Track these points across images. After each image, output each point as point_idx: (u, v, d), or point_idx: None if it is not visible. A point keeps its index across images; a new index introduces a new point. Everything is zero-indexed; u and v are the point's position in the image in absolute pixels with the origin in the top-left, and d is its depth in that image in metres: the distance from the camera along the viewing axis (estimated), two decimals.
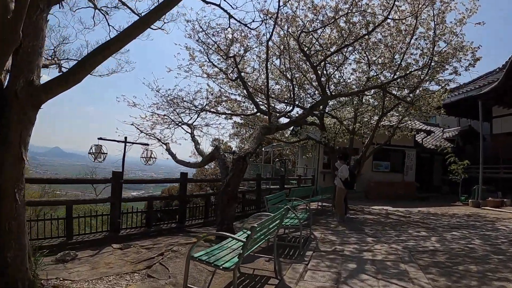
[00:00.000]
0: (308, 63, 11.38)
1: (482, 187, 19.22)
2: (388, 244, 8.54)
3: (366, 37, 11.25)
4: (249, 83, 13.48)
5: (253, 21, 10.33)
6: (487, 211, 16.72)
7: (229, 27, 10.46)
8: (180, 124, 14.35)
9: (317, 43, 11.37)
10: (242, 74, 12.72)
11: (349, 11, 10.12)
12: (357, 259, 7.07)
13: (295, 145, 21.24)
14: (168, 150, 13.97)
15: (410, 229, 10.98)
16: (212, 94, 14.38)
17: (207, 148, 23.22)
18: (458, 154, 22.22)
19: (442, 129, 28.87)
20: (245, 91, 12.54)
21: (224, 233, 5.99)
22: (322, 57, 11.57)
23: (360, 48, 12.20)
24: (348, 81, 14.41)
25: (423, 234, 10.07)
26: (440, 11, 10.78)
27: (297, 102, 14.55)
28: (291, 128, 24.71)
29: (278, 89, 15.08)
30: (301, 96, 15.31)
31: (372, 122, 16.19)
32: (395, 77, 12.60)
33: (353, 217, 13.45)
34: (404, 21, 11.11)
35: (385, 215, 14.47)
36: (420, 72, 12.56)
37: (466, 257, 7.35)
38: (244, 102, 15.05)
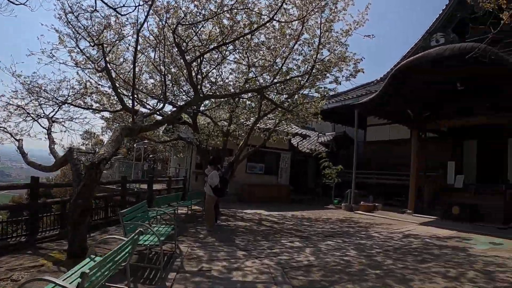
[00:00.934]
0: (182, 58, 10.29)
1: (354, 191, 19.84)
2: (260, 259, 8.02)
3: (248, 37, 10.86)
4: (121, 75, 12.38)
5: (124, 5, 8.89)
6: (360, 215, 17.38)
7: (96, 10, 9.37)
8: (39, 117, 12.36)
9: (196, 38, 10.67)
10: (114, 64, 11.62)
11: (234, 7, 9.26)
12: (226, 282, 6.39)
13: (165, 144, 19.94)
14: (20, 148, 11.94)
15: (283, 238, 10.68)
16: (80, 84, 12.67)
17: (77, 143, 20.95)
18: (332, 158, 22.90)
19: (317, 133, 29.55)
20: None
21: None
22: (200, 53, 10.65)
23: (241, 48, 11.70)
24: (226, 81, 13.93)
25: (297, 245, 9.79)
26: (327, 20, 10.78)
27: (172, 99, 13.49)
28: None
29: (152, 83, 13.90)
30: (175, 93, 14.21)
31: (248, 124, 15.83)
32: (274, 81, 12.43)
33: (224, 224, 12.82)
34: (290, 25, 10.93)
35: (258, 221, 14.10)
36: (300, 78, 12.49)
37: (343, 273, 7.14)
38: (114, 96, 13.52)
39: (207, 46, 10.78)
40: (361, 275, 6.95)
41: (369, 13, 10.40)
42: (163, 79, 11.68)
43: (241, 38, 10.60)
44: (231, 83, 13.84)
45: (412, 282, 6.61)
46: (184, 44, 10.25)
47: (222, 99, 14.43)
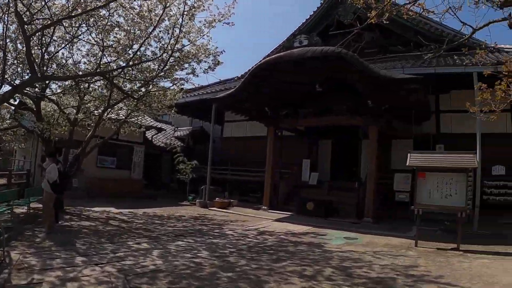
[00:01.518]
0: (21, 30, 8.99)
1: (210, 187, 19.68)
2: (101, 266, 7.06)
3: (102, 13, 10.06)
4: None
5: None
6: (215, 212, 17.15)
7: None
8: None
9: (47, 12, 9.40)
10: None
11: None
12: None
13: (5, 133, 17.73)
14: None
15: (130, 240, 9.77)
16: None
17: None
18: (189, 153, 22.58)
19: (174, 127, 28.90)
20: None
21: None
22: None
23: (94, 28, 10.74)
24: (78, 65, 12.72)
25: (145, 247, 9.02)
26: (192, 7, 10.47)
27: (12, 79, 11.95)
28: None
29: None
30: (20, 73, 12.43)
31: (97, 113, 14.66)
32: (124, 65, 11.55)
33: (67, 224, 11.51)
34: (151, 7, 10.44)
35: (106, 220, 12.95)
36: (155, 66, 12.02)
37: (192, 278, 6.61)
38: None
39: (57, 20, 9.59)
40: (212, 279, 6.52)
41: (249, 9, 10.31)
42: (2, 55, 10.23)
43: (94, 13, 9.73)
44: (82, 67, 12.68)
45: (267, 284, 6.39)
46: (28, 13, 9.07)
47: (68, 84, 13.16)
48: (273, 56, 15.47)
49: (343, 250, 9.54)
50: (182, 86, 13.97)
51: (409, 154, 11.35)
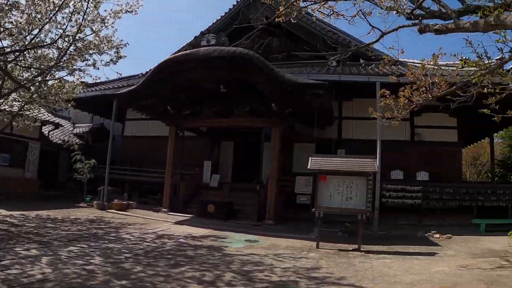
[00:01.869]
0: None
1: (108, 188, 18.78)
2: None
3: None
4: None
5: None
6: (113, 214, 16.29)
7: None
8: None
9: None
10: None
11: None
12: None
13: None
14: None
15: (18, 245, 8.76)
16: None
17: None
18: (88, 152, 21.45)
19: (73, 124, 27.32)
20: None
21: None
22: None
23: None
24: None
25: (34, 253, 8.13)
26: None
27: None
28: None
29: None
30: None
31: None
32: (17, 49, 10.55)
33: None
34: None
35: None
36: (55, 56, 11.18)
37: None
38: None
39: None
40: None
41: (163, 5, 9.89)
42: None
43: None
44: None
45: None
46: None
47: None
48: (179, 53, 15.04)
49: (244, 254, 9.37)
50: (82, 79, 13.11)
51: (310, 158, 11.51)
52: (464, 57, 7.63)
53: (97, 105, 23.57)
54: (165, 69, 14.69)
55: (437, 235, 13.77)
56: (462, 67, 8.10)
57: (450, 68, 9.20)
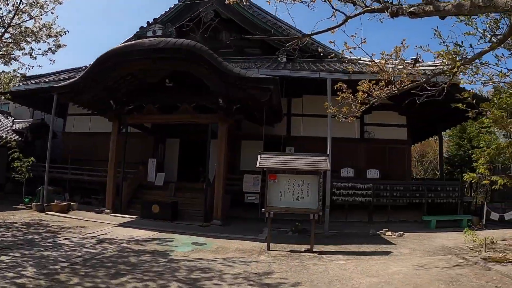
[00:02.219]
0: None
1: (48, 188, 17.72)
2: None
3: None
4: None
5: None
6: (52, 217, 15.21)
7: None
8: None
9: None
10: None
11: None
12: None
13: None
14: None
15: None
16: None
17: None
18: (28, 149, 20.45)
19: (13, 118, 25.85)
20: None
21: None
22: None
23: None
24: None
25: None
26: None
27: None
28: None
29: None
30: None
31: None
32: None
33: None
34: None
35: None
36: None
37: None
38: None
39: None
40: None
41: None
42: None
43: None
44: None
45: None
46: None
47: None
48: (123, 44, 14.36)
49: (190, 259, 8.85)
50: (20, 71, 12.14)
51: (259, 155, 11.07)
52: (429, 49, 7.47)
53: (37, 99, 22.15)
54: (107, 61, 13.92)
55: (389, 233, 13.80)
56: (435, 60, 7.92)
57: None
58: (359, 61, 16.94)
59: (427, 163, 35.88)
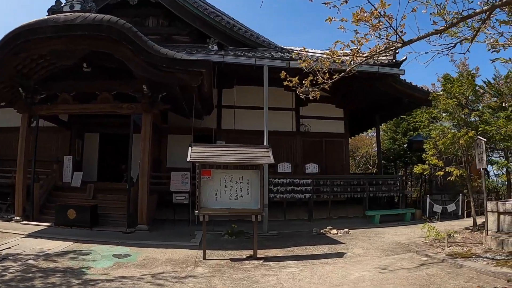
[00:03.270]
0: None
1: None
2: None
3: None
4: None
5: None
6: None
7: None
8: None
9: None
10: None
11: None
12: None
13: None
14: None
15: None
16: None
17: None
18: None
19: None
20: None
21: None
22: None
23: None
24: None
25: None
26: None
27: None
28: None
29: None
30: None
31: None
32: None
33: None
34: None
35: None
36: None
37: None
38: None
39: None
40: None
41: None
42: None
43: None
44: None
45: None
46: None
47: None
48: (36, 20, 11.99)
49: (111, 277, 7.08)
50: None
51: (190, 147, 9.36)
52: None
53: None
54: (15, 39, 11.61)
55: (334, 231, 12.86)
56: None
57: None
58: (294, 51, 15.73)
59: (358, 157, 35.44)
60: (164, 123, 16.79)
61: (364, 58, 7.32)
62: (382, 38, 6.33)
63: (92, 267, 7.84)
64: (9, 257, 8.54)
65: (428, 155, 12.03)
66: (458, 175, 11.31)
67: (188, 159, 9.10)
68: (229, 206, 9.15)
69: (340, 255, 9.32)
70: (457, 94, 11.52)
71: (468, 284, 6.39)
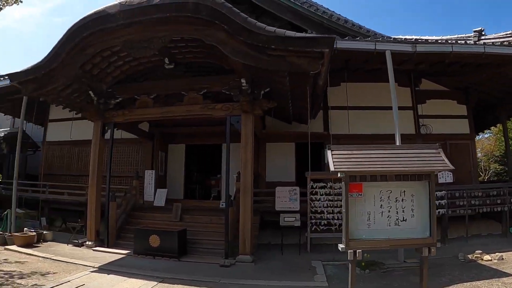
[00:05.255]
0: None
1: (20, 211, 13.24)
2: None
3: None
4: None
5: None
6: (11, 254, 10.34)
7: None
8: None
9: None
10: None
11: None
12: None
13: None
14: None
15: None
16: None
17: None
18: (1, 164, 17.94)
19: None
20: None
21: None
22: None
23: None
24: None
25: None
26: None
27: None
28: None
29: None
30: None
31: None
32: None
33: None
34: None
35: None
36: None
37: None
38: None
39: None
40: None
41: None
42: None
43: None
44: None
45: None
46: None
47: None
48: (102, 7, 9.50)
49: None
50: None
51: (329, 152, 6.25)
52: None
53: (15, 102, 17.45)
54: (80, 32, 9.19)
55: (487, 256, 9.53)
56: None
57: None
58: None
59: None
60: (263, 128, 13.91)
61: None
62: None
63: None
64: None
65: None
66: None
67: (331, 168, 5.89)
68: (389, 235, 5.94)
69: None
70: None
71: None
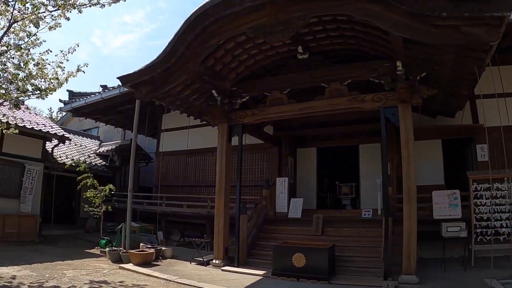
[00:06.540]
0: None
1: (135, 225, 12.47)
2: None
3: None
4: None
5: None
6: (126, 274, 9.24)
7: None
8: None
9: None
10: None
11: None
12: None
13: None
14: None
15: None
16: None
17: None
18: (113, 175, 17.50)
19: (99, 142, 21.51)
20: None
21: None
22: None
23: None
24: None
25: None
26: None
27: None
28: None
29: None
30: None
31: None
32: None
33: None
34: None
35: None
36: None
37: None
38: None
39: None
40: None
41: None
42: None
43: None
44: None
45: None
46: None
47: None
48: None
49: None
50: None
51: None
52: None
53: (123, 113, 17.11)
54: (201, 21, 7.99)
55: None
56: None
57: None
58: None
59: None
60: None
61: None
62: None
63: None
64: None
65: None
66: None
67: None
68: None
69: None
70: None
71: None
